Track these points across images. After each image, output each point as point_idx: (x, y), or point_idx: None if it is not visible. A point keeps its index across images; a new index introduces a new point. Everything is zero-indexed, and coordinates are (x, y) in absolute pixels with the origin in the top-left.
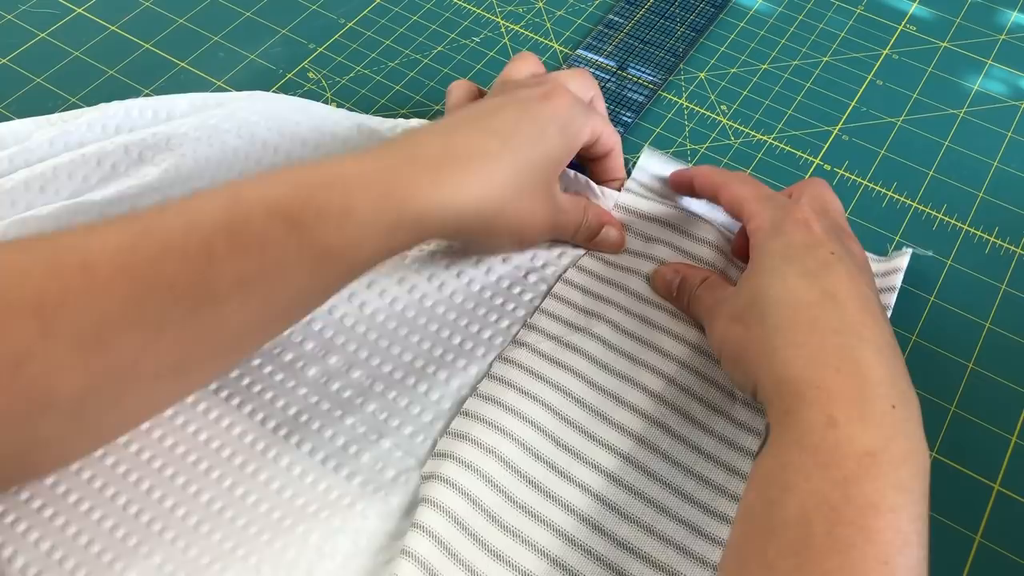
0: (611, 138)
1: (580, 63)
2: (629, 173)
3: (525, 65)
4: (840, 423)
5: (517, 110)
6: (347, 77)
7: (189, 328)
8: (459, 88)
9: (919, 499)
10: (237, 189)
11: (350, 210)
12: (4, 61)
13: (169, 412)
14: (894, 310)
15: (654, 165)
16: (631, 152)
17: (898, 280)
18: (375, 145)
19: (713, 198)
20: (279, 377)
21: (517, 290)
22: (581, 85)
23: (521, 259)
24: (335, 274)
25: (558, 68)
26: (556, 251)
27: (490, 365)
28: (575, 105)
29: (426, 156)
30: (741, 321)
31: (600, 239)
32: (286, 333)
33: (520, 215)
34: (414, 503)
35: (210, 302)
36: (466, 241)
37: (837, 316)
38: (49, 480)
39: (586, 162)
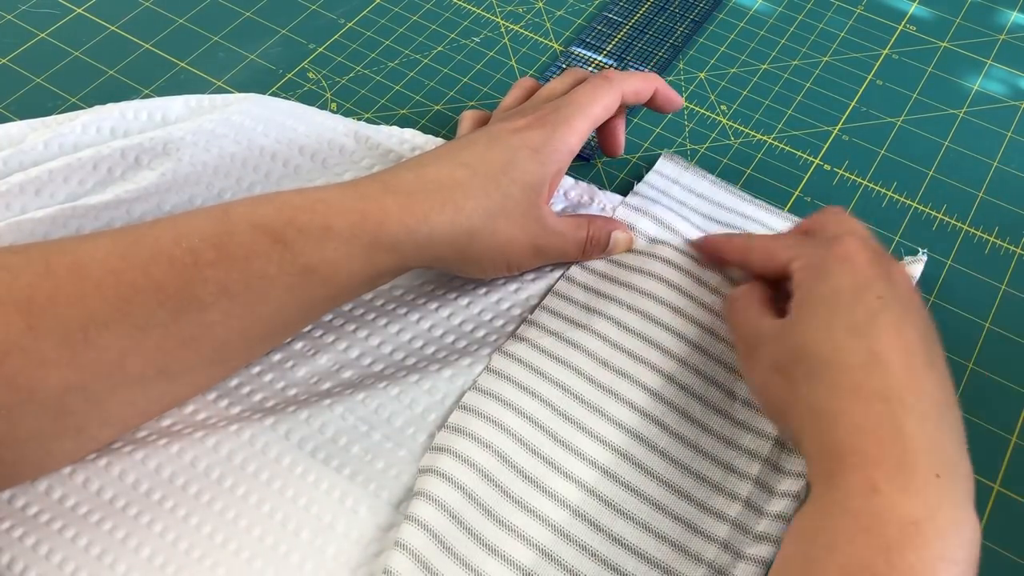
0: (614, 103)
1: (579, 62)
2: (640, 178)
3: (515, 93)
4: (882, 491)
5: (488, 140)
6: (347, 77)
7: (174, 331)
8: (469, 119)
9: (965, 569)
10: (225, 207)
11: (329, 230)
12: (4, 61)
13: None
14: None
15: (670, 170)
16: (630, 152)
17: None
18: (354, 179)
19: (744, 261)
20: (268, 378)
21: (513, 287)
22: (566, 87)
23: None
24: (316, 292)
25: (556, 65)
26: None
27: (488, 359)
28: (555, 129)
29: (398, 186)
30: (785, 375)
31: (611, 248)
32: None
33: (497, 240)
34: (405, 495)
35: (195, 307)
36: (451, 268)
37: (881, 380)
38: (42, 486)
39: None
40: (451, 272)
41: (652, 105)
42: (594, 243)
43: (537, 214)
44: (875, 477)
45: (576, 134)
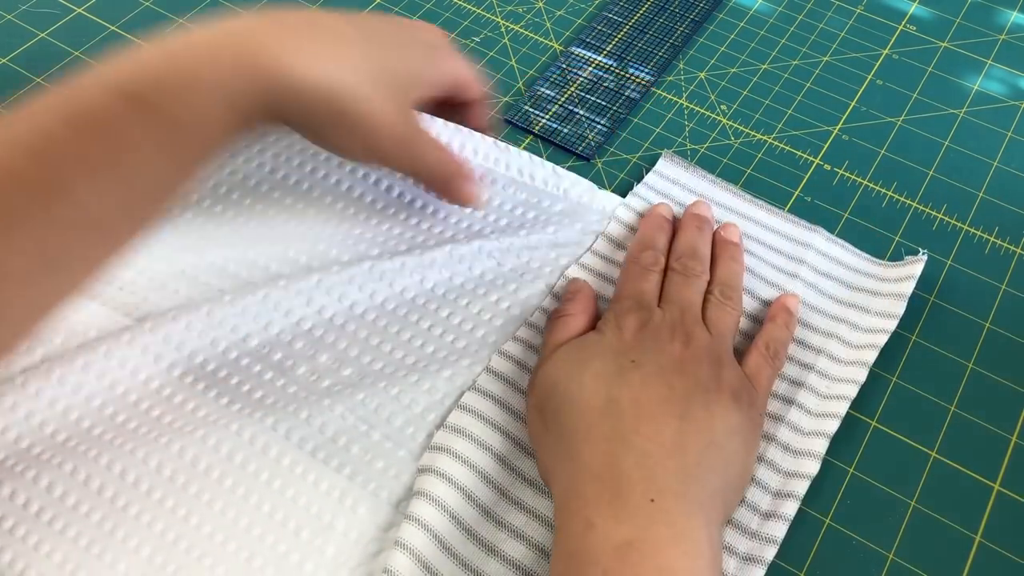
0: (478, 85)
1: (579, 62)
2: (640, 178)
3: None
4: (596, 525)
5: (386, 19)
6: None
7: (44, 221)
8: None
9: (697, 573)
10: (79, 77)
11: (196, 80)
12: (4, 61)
13: (156, 412)
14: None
15: (670, 170)
16: (630, 152)
17: (909, 287)
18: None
19: None
20: (268, 376)
21: (513, 287)
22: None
23: (515, 261)
24: (189, 151)
25: (556, 65)
26: (552, 254)
27: (488, 360)
28: (447, 39)
29: (289, 22)
30: (541, 415)
31: (454, 188)
32: (274, 332)
33: (372, 114)
34: (405, 495)
35: (59, 192)
36: (314, 133)
37: (611, 424)
38: (44, 482)
39: (449, 112)
40: (313, 142)
41: (464, 110)
42: (443, 162)
43: (409, 107)
44: (590, 515)
45: (463, 66)
